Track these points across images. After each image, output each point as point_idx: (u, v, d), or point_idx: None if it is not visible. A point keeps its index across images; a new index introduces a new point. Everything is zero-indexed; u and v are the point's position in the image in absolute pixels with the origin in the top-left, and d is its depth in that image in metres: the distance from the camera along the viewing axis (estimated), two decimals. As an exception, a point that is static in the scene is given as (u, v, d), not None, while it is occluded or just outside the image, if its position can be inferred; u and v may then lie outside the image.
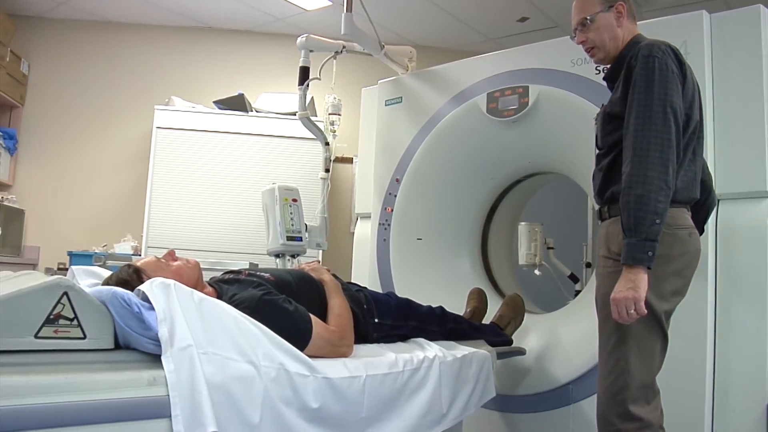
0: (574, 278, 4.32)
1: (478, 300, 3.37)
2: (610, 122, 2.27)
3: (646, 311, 2.08)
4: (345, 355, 2.31)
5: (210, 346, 1.88)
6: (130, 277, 2.22)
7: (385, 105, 4.04)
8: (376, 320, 2.70)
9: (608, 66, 2.44)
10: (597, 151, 2.39)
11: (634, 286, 2.05)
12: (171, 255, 2.41)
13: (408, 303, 2.94)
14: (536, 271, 4.25)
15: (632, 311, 2.06)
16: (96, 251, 5.38)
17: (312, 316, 2.31)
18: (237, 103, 5.72)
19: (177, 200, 5.50)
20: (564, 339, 3.27)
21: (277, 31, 6.36)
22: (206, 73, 6.36)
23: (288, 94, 5.72)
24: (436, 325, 2.91)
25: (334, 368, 2.15)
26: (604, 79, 2.48)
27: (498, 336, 3.16)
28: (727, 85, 2.86)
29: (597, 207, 2.42)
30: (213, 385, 1.83)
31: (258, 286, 2.36)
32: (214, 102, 5.81)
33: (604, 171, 2.29)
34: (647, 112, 2.11)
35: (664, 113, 2.11)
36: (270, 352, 2.01)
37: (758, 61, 2.81)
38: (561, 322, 3.41)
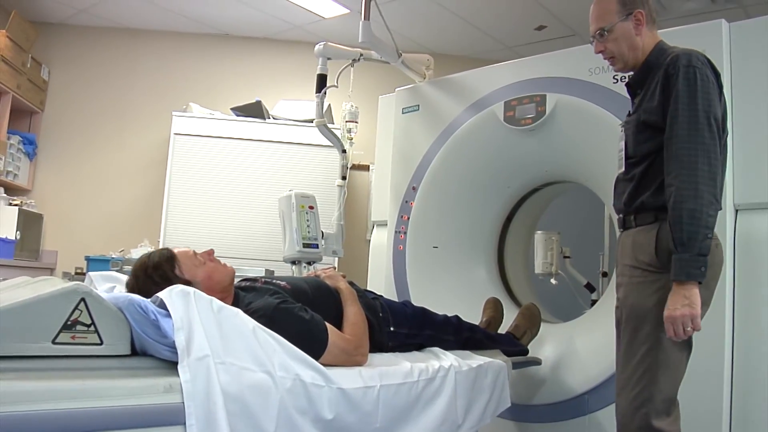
0: (590, 287, 4.30)
1: (494, 309, 3.35)
2: (644, 131, 2.23)
3: (700, 327, 2.07)
4: (360, 364, 2.30)
5: (227, 355, 1.88)
6: (165, 262, 2.28)
7: (402, 113, 4.04)
8: (392, 329, 2.69)
9: (628, 73, 2.42)
10: (624, 159, 2.34)
11: (690, 303, 2.04)
12: (210, 254, 2.43)
13: (424, 312, 2.93)
14: (552, 280, 4.23)
15: (689, 328, 2.05)
16: (113, 256, 5.39)
17: (328, 324, 2.30)
18: (254, 110, 5.74)
19: (194, 206, 5.52)
20: (580, 349, 3.26)
21: (294, 39, 6.38)
22: (224, 80, 6.38)
23: (305, 101, 5.74)
24: (452, 334, 2.90)
25: (348, 378, 2.14)
26: (627, 84, 2.44)
27: (513, 346, 3.15)
28: (745, 95, 2.85)
29: (619, 215, 2.38)
30: (229, 394, 1.83)
31: (274, 294, 2.37)
32: (231, 109, 5.84)
33: (636, 179, 2.26)
34: (693, 123, 2.09)
35: (709, 125, 2.09)
36: (286, 363, 2.01)
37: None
38: (577, 331, 3.40)
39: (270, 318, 2.19)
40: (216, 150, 5.60)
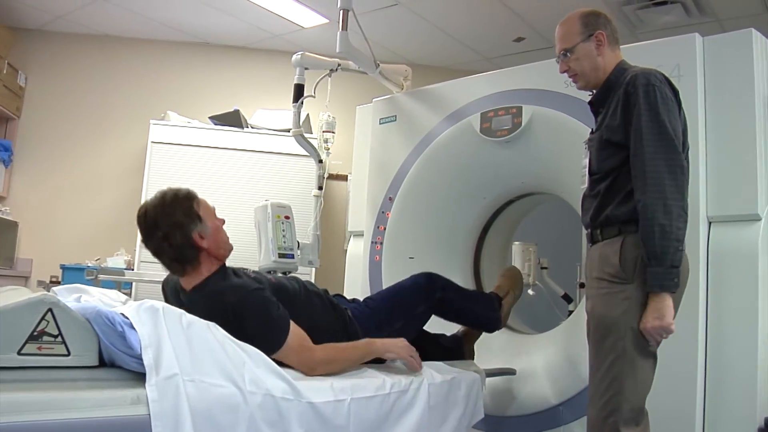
0: (567, 298, 4.30)
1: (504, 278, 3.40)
2: (607, 148, 2.29)
3: (674, 331, 2.15)
4: (314, 371, 2.29)
5: (196, 372, 1.88)
6: (188, 196, 2.43)
7: (380, 123, 4.04)
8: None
9: (591, 91, 2.49)
10: (588, 176, 2.41)
11: (663, 315, 2.12)
12: (222, 221, 2.53)
13: (388, 300, 2.93)
14: (530, 291, 4.24)
15: (663, 337, 2.15)
16: (89, 265, 5.36)
17: (293, 325, 2.30)
18: (232, 119, 5.72)
19: (171, 215, 5.48)
20: (555, 360, 3.26)
21: (274, 48, 6.38)
22: (202, 89, 6.37)
23: (284, 110, 5.73)
24: (423, 302, 2.90)
25: (319, 392, 2.13)
26: (589, 102, 2.50)
27: (491, 309, 3.16)
28: (719, 108, 2.87)
29: (587, 230, 2.42)
30: (198, 412, 1.82)
31: (256, 281, 2.41)
32: (209, 117, 5.82)
33: (601, 195, 2.31)
34: (656, 140, 2.15)
35: (671, 141, 2.16)
36: (256, 376, 2.01)
37: (750, 84, 2.82)
38: (552, 342, 3.40)
39: (242, 299, 2.25)
40: (194, 159, 5.58)
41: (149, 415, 1.74)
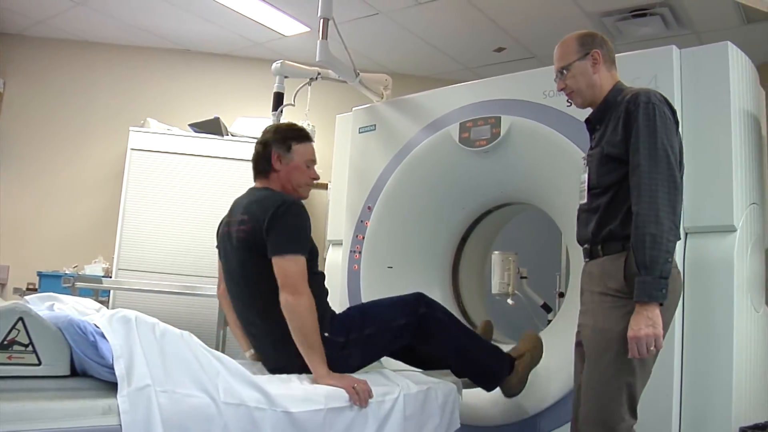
0: (547, 308, 4.32)
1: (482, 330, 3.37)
2: (607, 163, 2.33)
3: (662, 346, 2.17)
4: (286, 302, 2.41)
5: (169, 383, 1.87)
6: (293, 130, 2.84)
7: (359, 132, 4.04)
8: (326, 334, 2.57)
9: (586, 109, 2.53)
10: (587, 190, 2.43)
11: (653, 323, 2.13)
12: (313, 174, 2.81)
13: (362, 309, 2.89)
14: (509, 301, 4.25)
15: (652, 348, 2.14)
16: (66, 272, 5.32)
17: (302, 261, 2.48)
18: (212, 127, 5.70)
19: (150, 223, 5.46)
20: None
21: (255, 56, 6.37)
22: (183, 96, 6.35)
23: (264, 118, 5.69)
24: (403, 316, 2.79)
25: (294, 401, 2.13)
26: (586, 120, 2.54)
27: (497, 361, 2.99)
28: (695, 119, 2.91)
29: (585, 245, 2.44)
30: (170, 423, 1.81)
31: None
32: (189, 125, 5.80)
33: (601, 210, 2.34)
34: (653, 156, 2.20)
35: (667, 157, 2.21)
36: (230, 386, 2.00)
37: (726, 95, 2.86)
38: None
39: (295, 204, 2.57)
40: (173, 166, 5.55)
41: (120, 425, 1.73)
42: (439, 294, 3.84)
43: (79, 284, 4.55)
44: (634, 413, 2.26)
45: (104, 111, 6.25)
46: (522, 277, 4.34)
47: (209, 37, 6.10)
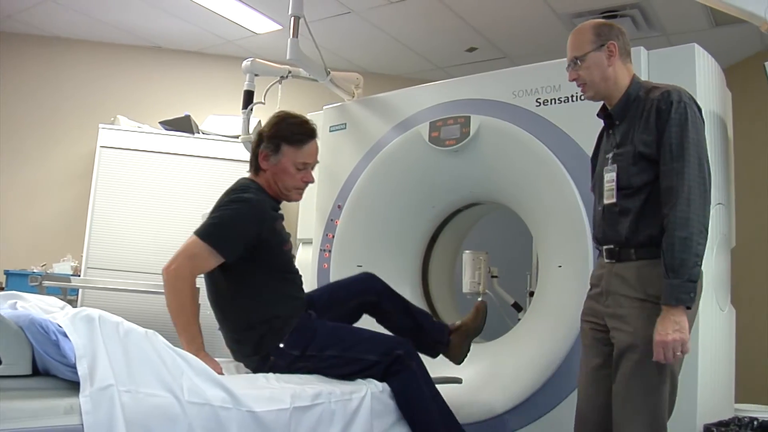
0: (517, 307, 4.32)
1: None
2: (639, 162, 2.28)
3: (689, 350, 2.15)
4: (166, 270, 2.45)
5: (132, 382, 1.85)
6: (290, 125, 2.71)
7: (330, 131, 4.03)
8: (281, 345, 2.57)
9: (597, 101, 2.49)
10: (617, 190, 2.35)
11: (681, 328, 2.11)
12: (308, 178, 2.74)
13: (333, 331, 2.74)
14: (480, 300, 4.25)
15: (678, 352, 2.12)
16: (34, 270, 5.26)
17: (206, 248, 2.45)
18: (183, 125, 5.67)
19: (119, 221, 5.41)
20: (501, 368, 3.28)
21: (226, 54, 6.34)
22: (154, 93, 6.30)
23: (235, 116, 5.65)
24: (376, 353, 2.63)
25: (259, 400, 2.12)
26: (606, 114, 2.47)
27: (436, 331, 3.01)
28: (662, 121, 2.92)
29: (608, 245, 2.38)
30: (133, 423, 1.79)
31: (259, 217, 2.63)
32: (160, 122, 5.76)
33: (636, 212, 2.29)
34: (686, 157, 2.18)
35: (699, 160, 2.19)
36: (194, 385, 1.99)
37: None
38: (499, 351, 3.43)
39: (238, 198, 2.57)
40: (143, 164, 5.51)
41: (82, 425, 1.71)
42: (409, 292, 3.84)
43: (46, 283, 4.50)
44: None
45: (74, 108, 6.18)
46: (493, 276, 4.34)
47: (181, 34, 6.06)
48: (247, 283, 2.61)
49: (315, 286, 3.87)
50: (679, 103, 2.23)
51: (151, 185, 5.47)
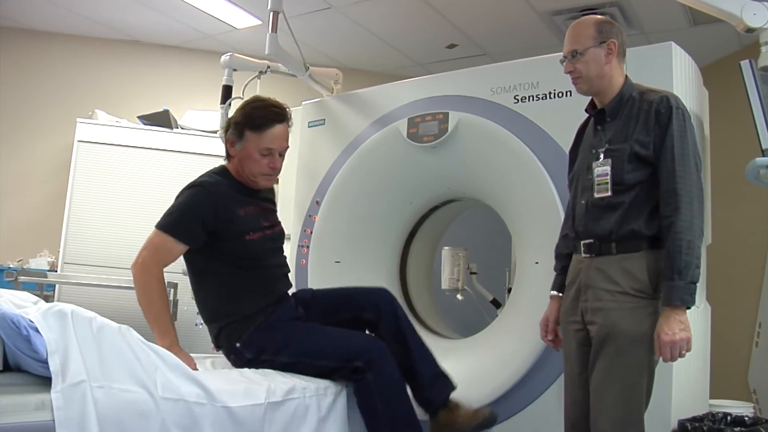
0: (496, 303, 4.34)
1: None
2: (634, 161, 2.31)
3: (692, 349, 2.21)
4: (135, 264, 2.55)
5: (105, 378, 1.85)
6: (255, 109, 2.67)
7: (308, 126, 4.03)
8: (237, 345, 2.57)
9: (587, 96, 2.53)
10: (611, 185, 2.36)
11: (686, 327, 2.17)
12: (275, 165, 2.70)
13: (290, 337, 2.64)
14: (458, 296, 4.26)
15: (684, 351, 2.17)
16: (10, 266, 5.21)
17: (166, 239, 2.54)
18: (162, 119, 5.62)
19: (97, 216, 5.36)
20: (478, 364, 3.28)
21: (206, 48, 6.30)
22: (132, 88, 6.24)
23: (215, 111, 5.63)
24: (335, 360, 2.53)
25: (234, 396, 2.12)
26: (598, 111, 2.48)
27: (431, 388, 2.74)
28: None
29: (588, 239, 2.40)
30: (106, 419, 1.79)
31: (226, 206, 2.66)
32: (138, 117, 5.71)
33: (625, 208, 2.32)
34: (687, 162, 2.24)
35: (696, 165, 2.26)
36: (169, 382, 1.98)
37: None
38: (477, 347, 3.43)
39: (189, 187, 2.65)
40: (121, 159, 5.45)
41: (54, 421, 1.70)
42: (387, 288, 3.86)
43: (22, 278, 4.47)
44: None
45: (51, 102, 6.11)
46: (472, 273, 4.36)
47: (160, 29, 6.01)
48: (209, 275, 2.64)
49: (293, 283, 3.86)
50: (678, 109, 2.28)
51: (129, 180, 5.42)
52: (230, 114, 3.87)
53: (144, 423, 1.87)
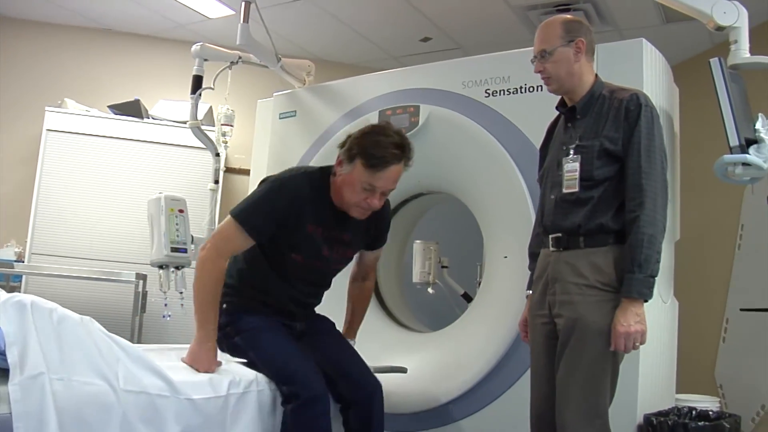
0: (467, 297, 4.35)
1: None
2: (604, 157, 2.34)
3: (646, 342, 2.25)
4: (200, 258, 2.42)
5: (65, 370, 1.82)
6: (364, 141, 2.49)
7: (279, 118, 4.01)
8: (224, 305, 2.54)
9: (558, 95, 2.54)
10: (579, 181, 2.37)
11: (641, 320, 2.21)
12: (380, 196, 2.53)
13: (252, 346, 2.56)
14: (429, 290, 4.26)
15: (638, 343, 2.21)
16: (-23, 256, 5.15)
17: (236, 228, 2.42)
18: (132, 109, 5.56)
19: (66, 206, 5.28)
20: (446, 358, 3.29)
21: (178, 38, 6.23)
22: (103, 77, 6.15)
23: (187, 102, 5.57)
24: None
25: (197, 387, 2.11)
26: (569, 108, 2.50)
27: None
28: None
29: (557, 233, 2.41)
30: (65, 412, 1.76)
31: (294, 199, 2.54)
32: (109, 106, 5.64)
33: (593, 203, 2.34)
34: (653, 159, 2.28)
35: (662, 162, 2.30)
36: (131, 374, 1.96)
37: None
38: (445, 340, 3.44)
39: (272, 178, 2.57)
40: (91, 148, 5.38)
41: (11, 414, 1.67)
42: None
43: (-11, 268, 4.42)
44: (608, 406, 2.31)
45: (19, 90, 5.99)
46: (443, 267, 4.36)
47: (132, 17, 5.93)
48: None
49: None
50: (646, 107, 2.32)
51: (99, 170, 5.35)
52: (201, 104, 3.86)
53: (105, 416, 1.84)
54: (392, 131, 2.51)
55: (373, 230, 2.81)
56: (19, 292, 4.59)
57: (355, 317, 2.99)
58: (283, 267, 2.58)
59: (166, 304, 3.62)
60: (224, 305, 2.51)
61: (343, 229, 2.62)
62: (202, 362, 2.29)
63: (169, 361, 2.44)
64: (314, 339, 2.69)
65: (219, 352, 2.41)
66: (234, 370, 2.34)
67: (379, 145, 2.44)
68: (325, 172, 2.62)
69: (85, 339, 1.91)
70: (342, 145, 2.55)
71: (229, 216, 2.45)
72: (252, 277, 2.61)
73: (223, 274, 2.42)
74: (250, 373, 2.33)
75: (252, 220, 2.43)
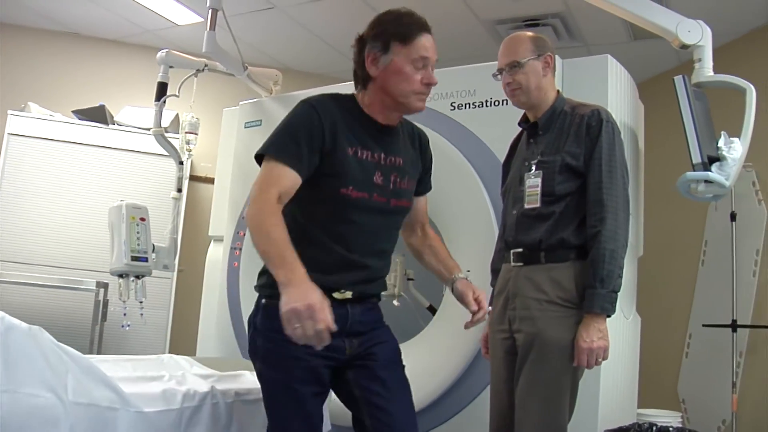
0: (432, 310, 4.32)
1: None
2: (565, 172, 2.35)
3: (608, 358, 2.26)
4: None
5: (11, 382, 1.76)
6: (394, 17, 2.16)
7: (245, 127, 3.97)
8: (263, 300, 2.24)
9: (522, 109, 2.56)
10: (541, 196, 2.37)
11: (604, 336, 2.22)
12: (424, 77, 2.14)
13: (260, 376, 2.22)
14: (395, 302, 4.24)
15: (600, 359, 2.23)
16: (-66, 262, 5.04)
17: (275, 163, 2.02)
18: (97, 115, 5.49)
19: (27, 212, 5.18)
20: (408, 373, 3.25)
21: (145, 44, 6.17)
22: (68, 81, 6.07)
23: (153, 108, 5.54)
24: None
25: (150, 400, 2.06)
26: (531, 124, 2.51)
27: None
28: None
29: (518, 248, 2.42)
30: (9, 425, 1.71)
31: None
32: (73, 111, 5.56)
33: (555, 218, 2.34)
34: (613, 175, 2.30)
35: (623, 177, 2.33)
36: (80, 386, 1.91)
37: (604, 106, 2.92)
38: (406, 354, 3.39)
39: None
40: (54, 154, 5.29)
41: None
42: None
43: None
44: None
45: (-20, 92, 5.92)
46: (409, 279, 4.34)
47: (99, 22, 5.87)
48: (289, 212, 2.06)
49: (225, 286, 3.81)
50: (608, 122, 2.34)
51: (62, 176, 5.26)
52: (165, 112, 3.81)
53: (51, 429, 1.79)
54: (394, 10, 2.20)
55: (421, 158, 2.43)
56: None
57: (440, 255, 2.53)
58: (337, 216, 2.12)
59: (125, 314, 3.56)
60: (263, 300, 2.23)
61: (388, 151, 2.23)
62: (307, 298, 1.77)
63: (125, 372, 2.41)
64: (361, 379, 2.26)
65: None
66: (189, 381, 2.30)
67: (403, 19, 2.15)
68: (346, 95, 2.29)
69: (33, 350, 1.86)
70: (361, 51, 2.21)
71: (265, 155, 2.07)
72: (305, 245, 2.00)
73: (280, 215, 1.96)
74: (205, 386, 2.29)
75: (288, 149, 2.04)
